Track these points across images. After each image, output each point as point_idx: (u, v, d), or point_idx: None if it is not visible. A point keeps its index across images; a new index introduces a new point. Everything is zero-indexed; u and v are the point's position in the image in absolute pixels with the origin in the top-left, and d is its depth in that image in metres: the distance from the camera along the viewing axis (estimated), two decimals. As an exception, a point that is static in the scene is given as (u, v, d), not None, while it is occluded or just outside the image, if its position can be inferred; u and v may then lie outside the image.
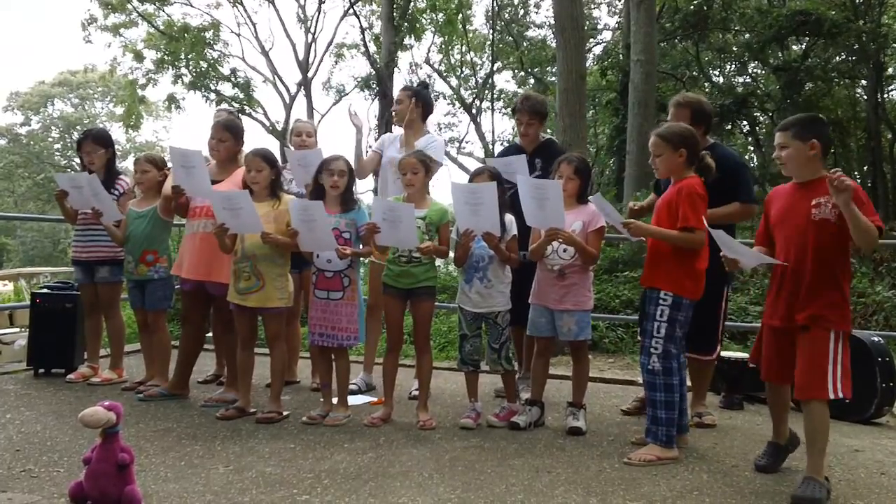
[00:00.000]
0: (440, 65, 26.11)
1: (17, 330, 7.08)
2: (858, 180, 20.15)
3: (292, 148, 5.10)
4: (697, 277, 3.52)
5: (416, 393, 4.66)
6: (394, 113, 5.02)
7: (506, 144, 25.06)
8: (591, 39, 22.50)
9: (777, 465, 3.38)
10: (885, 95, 19.36)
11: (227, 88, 24.02)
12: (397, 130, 5.14)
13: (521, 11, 25.56)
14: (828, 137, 3.27)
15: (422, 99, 4.99)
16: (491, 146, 24.06)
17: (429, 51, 25.26)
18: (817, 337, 3.05)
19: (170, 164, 4.62)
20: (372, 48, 22.12)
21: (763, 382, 3.48)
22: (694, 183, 3.49)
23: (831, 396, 3.01)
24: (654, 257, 3.59)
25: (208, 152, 4.70)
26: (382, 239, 3.95)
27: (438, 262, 4.39)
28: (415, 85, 5.25)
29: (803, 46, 17.79)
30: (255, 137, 17.20)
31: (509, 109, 6.04)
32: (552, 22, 17.92)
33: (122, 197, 4.98)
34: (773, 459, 3.38)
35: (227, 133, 4.62)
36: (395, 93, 5.31)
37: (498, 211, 3.83)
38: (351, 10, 22.78)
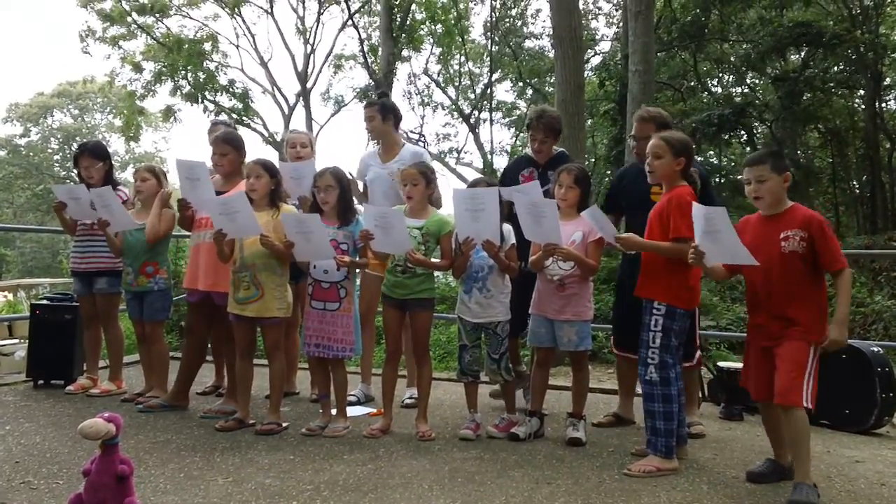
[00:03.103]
0: (439, 75, 26.18)
1: (17, 341, 7.08)
2: (857, 190, 20.20)
3: (288, 160, 5.11)
4: (691, 287, 3.54)
5: (409, 401, 4.68)
6: (369, 132, 5.05)
7: (504, 155, 25.11)
8: (589, 50, 22.58)
9: (769, 479, 3.35)
10: (884, 105, 19.41)
11: (225, 99, 24.13)
12: (372, 146, 5.19)
13: (519, 23, 25.65)
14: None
15: (390, 110, 5.04)
16: (489, 157, 24.10)
17: (427, 61, 25.35)
18: (798, 346, 3.14)
19: (173, 177, 4.64)
20: (371, 59, 22.20)
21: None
22: (684, 192, 3.50)
23: (805, 405, 3.08)
24: (648, 268, 3.59)
25: (213, 167, 4.72)
26: (376, 245, 3.97)
27: (438, 272, 4.39)
28: (375, 98, 5.25)
29: (802, 56, 17.85)
30: (254, 148, 17.28)
31: (524, 125, 5.97)
32: (550, 32, 18.02)
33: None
34: (769, 473, 3.37)
35: (228, 146, 4.63)
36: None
37: (498, 217, 3.85)
38: (350, 22, 22.89)
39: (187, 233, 4.86)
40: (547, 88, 23.48)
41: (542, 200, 3.86)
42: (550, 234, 3.79)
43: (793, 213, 3.26)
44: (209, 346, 5.03)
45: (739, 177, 22.98)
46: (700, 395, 4.87)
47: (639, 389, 3.73)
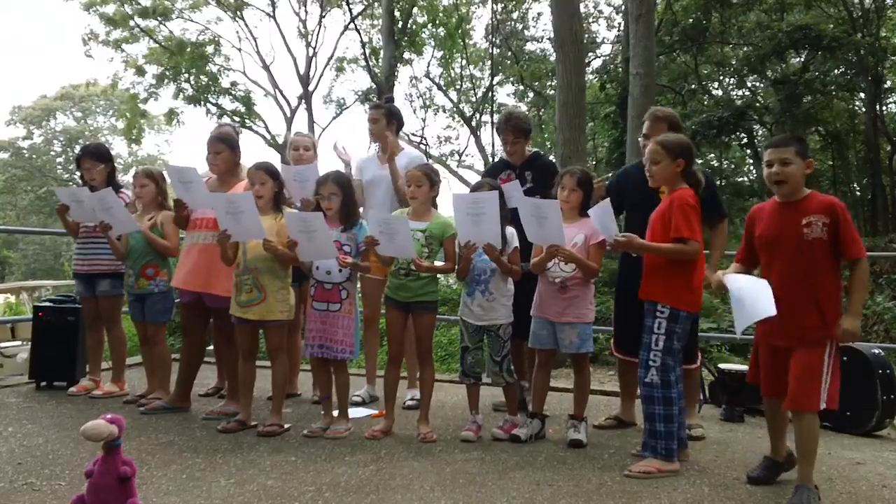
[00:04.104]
0: (440, 78, 26.21)
1: (20, 343, 7.09)
2: (858, 193, 20.20)
3: (290, 162, 5.14)
4: (695, 289, 3.54)
5: (411, 403, 4.69)
6: (370, 133, 5.12)
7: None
8: (591, 53, 22.60)
9: (770, 479, 3.37)
10: (884, 108, 19.44)
11: (227, 102, 24.16)
12: (369, 150, 5.24)
13: (520, 26, 25.69)
14: None
15: (394, 116, 5.14)
16: (491, 159, 24.07)
17: (429, 64, 25.38)
18: (813, 350, 3.11)
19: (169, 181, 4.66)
20: (372, 62, 22.24)
21: (764, 394, 3.48)
22: (686, 194, 3.51)
23: (822, 407, 3.07)
24: (651, 270, 3.60)
25: (207, 168, 4.74)
26: (381, 249, 3.99)
27: (440, 275, 4.40)
28: (383, 102, 5.33)
29: (802, 59, 17.88)
30: (256, 150, 17.31)
31: (495, 129, 6.08)
32: (551, 36, 18.05)
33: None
34: (767, 474, 3.38)
35: (222, 144, 4.65)
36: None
37: (499, 221, 3.86)
38: (352, 25, 22.93)
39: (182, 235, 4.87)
40: (548, 91, 23.50)
41: (544, 202, 3.86)
42: (553, 235, 3.80)
43: (812, 199, 3.19)
44: (210, 347, 5.05)
45: (740, 179, 23.00)
46: (701, 398, 4.88)
47: (639, 391, 3.74)
